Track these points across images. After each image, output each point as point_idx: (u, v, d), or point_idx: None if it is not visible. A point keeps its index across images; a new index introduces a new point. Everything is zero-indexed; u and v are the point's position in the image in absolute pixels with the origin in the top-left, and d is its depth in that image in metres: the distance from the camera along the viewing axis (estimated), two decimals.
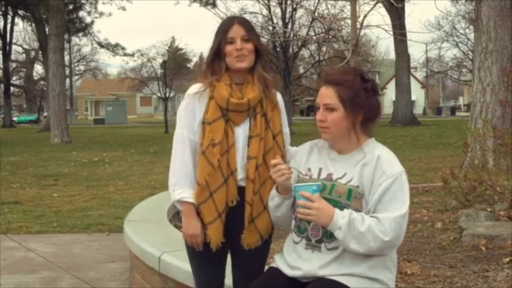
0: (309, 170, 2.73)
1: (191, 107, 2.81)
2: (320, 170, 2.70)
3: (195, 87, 2.84)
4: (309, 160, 2.77)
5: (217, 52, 2.79)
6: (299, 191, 2.56)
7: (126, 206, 8.77)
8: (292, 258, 2.70)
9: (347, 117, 2.61)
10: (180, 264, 3.77)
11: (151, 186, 11.11)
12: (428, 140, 22.92)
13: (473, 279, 3.83)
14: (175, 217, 5.62)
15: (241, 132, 2.80)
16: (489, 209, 5.54)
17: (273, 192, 2.76)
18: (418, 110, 63.02)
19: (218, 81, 2.79)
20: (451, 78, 68.77)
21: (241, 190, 2.80)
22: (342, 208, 2.57)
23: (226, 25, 2.81)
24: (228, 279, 3.01)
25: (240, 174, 2.79)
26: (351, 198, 2.58)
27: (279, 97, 2.93)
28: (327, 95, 2.62)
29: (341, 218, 2.51)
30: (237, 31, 2.78)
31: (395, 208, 2.53)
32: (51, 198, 10.28)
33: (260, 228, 2.84)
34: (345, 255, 2.58)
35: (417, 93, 67.09)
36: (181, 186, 2.80)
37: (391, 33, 15.88)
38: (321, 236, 2.63)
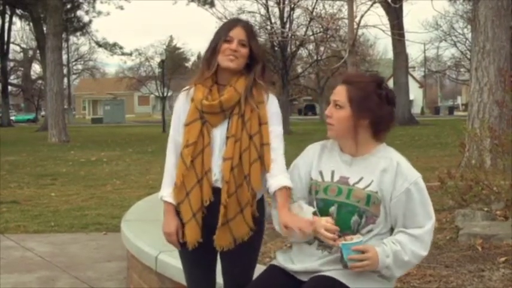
0: (320, 173, 2.73)
1: (178, 109, 2.90)
2: (332, 172, 2.71)
3: (184, 89, 2.92)
4: (320, 162, 2.76)
5: (215, 48, 2.81)
6: (350, 247, 2.51)
7: (123, 206, 8.78)
8: (297, 255, 2.72)
9: (352, 117, 2.63)
10: (177, 263, 3.74)
11: (149, 186, 11.11)
12: (426, 139, 22.95)
13: (469, 279, 3.85)
14: None
15: (218, 133, 2.80)
16: (486, 209, 5.55)
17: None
18: (416, 109, 63.08)
19: (199, 83, 2.82)
20: (449, 78, 68.80)
21: (219, 191, 2.77)
22: (360, 214, 2.60)
23: (230, 25, 2.85)
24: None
25: (216, 175, 2.78)
26: (369, 203, 2.60)
27: (271, 99, 2.86)
28: (338, 92, 2.67)
29: (385, 257, 2.54)
30: (237, 33, 2.79)
31: (426, 215, 2.61)
32: (48, 198, 10.28)
33: (234, 230, 2.78)
34: None
35: (415, 93, 67.08)
36: (164, 185, 2.90)
37: (389, 33, 15.91)
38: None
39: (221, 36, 2.80)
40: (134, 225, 5.22)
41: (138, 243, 4.58)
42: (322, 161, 2.76)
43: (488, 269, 4.03)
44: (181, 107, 2.88)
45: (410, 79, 43.99)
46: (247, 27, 2.84)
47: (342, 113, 2.65)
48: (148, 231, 4.90)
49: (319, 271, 2.62)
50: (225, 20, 3.62)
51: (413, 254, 2.56)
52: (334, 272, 2.58)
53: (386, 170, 2.62)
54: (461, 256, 4.38)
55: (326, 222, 2.58)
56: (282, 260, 2.77)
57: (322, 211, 2.68)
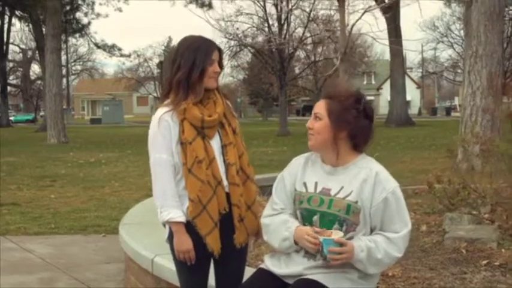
0: (304, 184, 2.90)
1: (166, 131, 2.96)
2: (316, 184, 2.87)
3: (163, 111, 2.99)
4: (304, 174, 2.93)
5: (202, 72, 2.97)
6: (331, 242, 2.66)
7: (122, 208, 8.89)
8: (284, 260, 2.89)
9: (330, 128, 2.80)
10: (172, 266, 3.89)
11: (147, 188, 11.16)
12: (422, 141, 22.94)
13: (451, 281, 4.00)
14: None
15: (215, 144, 3.02)
16: (474, 212, 5.67)
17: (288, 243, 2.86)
18: (413, 110, 63.12)
19: (187, 103, 2.96)
20: (446, 79, 68.88)
21: (227, 196, 3.01)
22: (341, 222, 2.77)
23: (210, 48, 3.02)
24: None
25: (224, 182, 3.00)
26: (349, 213, 2.77)
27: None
28: (319, 105, 2.86)
29: (360, 251, 2.71)
30: (217, 56, 3.04)
31: (402, 223, 2.78)
32: (48, 200, 10.39)
33: (248, 226, 3.06)
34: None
35: (412, 94, 67.19)
36: (167, 207, 2.97)
37: (381, 41, 15.99)
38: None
39: (206, 59, 2.98)
40: (132, 229, 5.35)
41: (135, 246, 4.71)
42: (306, 173, 2.93)
43: (471, 272, 4.19)
44: (170, 127, 2.96)
45: (407, 80, 44.03)
46: (219, 48, 3.09)
47: (320, 123, 2.83)
48: (146, 234, 5.02)
49: (302, 275, 2.78)
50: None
51: (386, 253, 2.74)
52: (317, 276, 2.75)
53: (366, 180, 2.78)
54: (445, 259, 4.53)
55: (307, 234, 2.74)
56: (270, 263, 2.94)
57: (306, 220, 2.86)
